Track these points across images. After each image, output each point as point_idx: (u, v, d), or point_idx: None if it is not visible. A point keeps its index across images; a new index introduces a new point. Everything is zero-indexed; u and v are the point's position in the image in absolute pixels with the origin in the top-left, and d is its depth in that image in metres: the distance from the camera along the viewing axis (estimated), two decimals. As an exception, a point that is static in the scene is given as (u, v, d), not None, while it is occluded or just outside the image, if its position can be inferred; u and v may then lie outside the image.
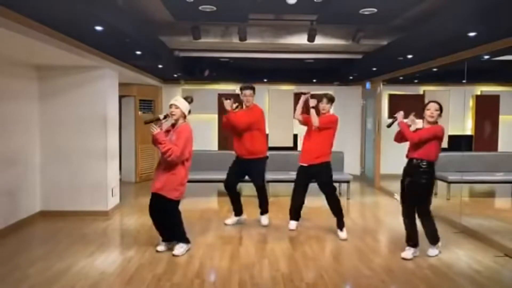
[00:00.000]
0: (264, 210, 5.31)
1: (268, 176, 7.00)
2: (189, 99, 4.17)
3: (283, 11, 5.39)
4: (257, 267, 3.82)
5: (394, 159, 7.25)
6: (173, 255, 4.07)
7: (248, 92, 5.03)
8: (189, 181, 5.85)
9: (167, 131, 4.11)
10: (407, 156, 4.17)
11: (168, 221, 4.16)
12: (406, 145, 4.21)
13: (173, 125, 4.13)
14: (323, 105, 4.76)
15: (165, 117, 4.06)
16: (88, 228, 5.10)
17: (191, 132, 4.09)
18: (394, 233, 4.99)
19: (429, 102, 4.09)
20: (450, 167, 6.87)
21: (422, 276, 3.66)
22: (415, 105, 8.61)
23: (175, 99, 4.13)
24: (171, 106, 4.07)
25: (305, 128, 4.99)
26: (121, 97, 7.41)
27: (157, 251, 4.16)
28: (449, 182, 6.65)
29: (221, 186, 7.81)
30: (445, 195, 6.69)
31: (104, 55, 5.23)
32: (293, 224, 5.08)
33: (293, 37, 6.25)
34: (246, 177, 5.24)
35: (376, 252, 4.27)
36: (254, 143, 5.01)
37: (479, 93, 8.82)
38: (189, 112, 4.17)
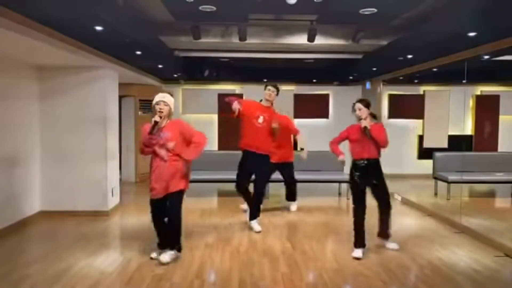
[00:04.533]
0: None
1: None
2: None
3: (283, 11, 5.39)
4: (257, 267, 3.82)
5: (393, 159, 7.26)
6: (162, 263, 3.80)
7: (272, 89, 4.97)
8: (189, 181, 5.81)
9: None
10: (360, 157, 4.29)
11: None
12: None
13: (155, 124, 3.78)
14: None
15: (160, 118, 3.78)
16: (88, 228, 5.10)
17: None
18: (393, 233, 4.98)
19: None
20: (450, 167, 6.87)
21: (422, 276, 3.66)
22: (415, 105, 8.72)
23: (162, 95, 3.85)
24: (159, 103, 3.77)
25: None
26: (121, 97, 7.40)
27: (152, 258, 3.93)
28: (449, 182, 6.65)
29: (221, 186, 7.89)
30: (445, 195, 6.69)
31: (104, 55, 5.23)
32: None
33: (293, 37, 6.24)
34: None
35: (376, 252, 4.27)
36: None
37: (479, 93, 8.82)
38: None
